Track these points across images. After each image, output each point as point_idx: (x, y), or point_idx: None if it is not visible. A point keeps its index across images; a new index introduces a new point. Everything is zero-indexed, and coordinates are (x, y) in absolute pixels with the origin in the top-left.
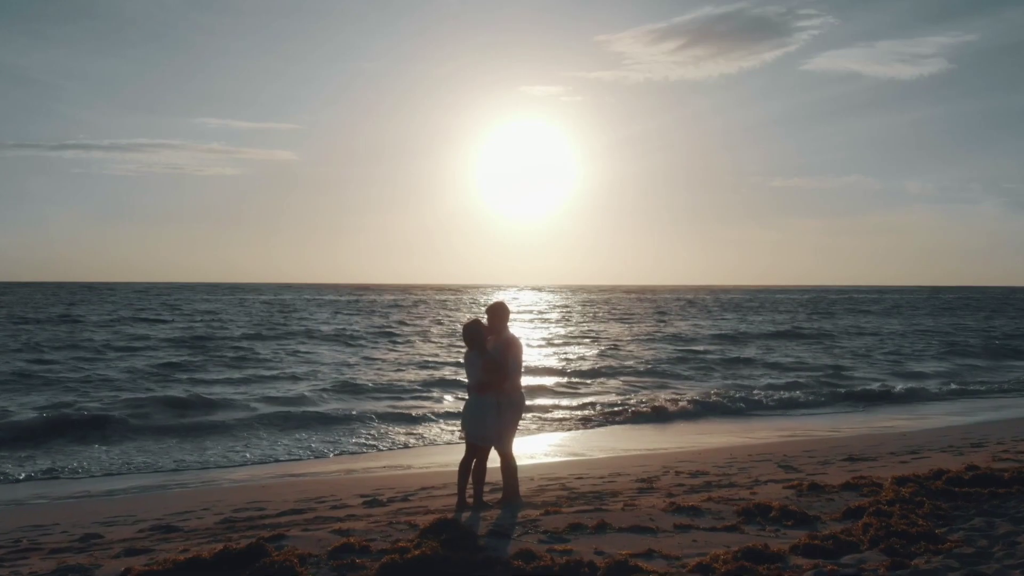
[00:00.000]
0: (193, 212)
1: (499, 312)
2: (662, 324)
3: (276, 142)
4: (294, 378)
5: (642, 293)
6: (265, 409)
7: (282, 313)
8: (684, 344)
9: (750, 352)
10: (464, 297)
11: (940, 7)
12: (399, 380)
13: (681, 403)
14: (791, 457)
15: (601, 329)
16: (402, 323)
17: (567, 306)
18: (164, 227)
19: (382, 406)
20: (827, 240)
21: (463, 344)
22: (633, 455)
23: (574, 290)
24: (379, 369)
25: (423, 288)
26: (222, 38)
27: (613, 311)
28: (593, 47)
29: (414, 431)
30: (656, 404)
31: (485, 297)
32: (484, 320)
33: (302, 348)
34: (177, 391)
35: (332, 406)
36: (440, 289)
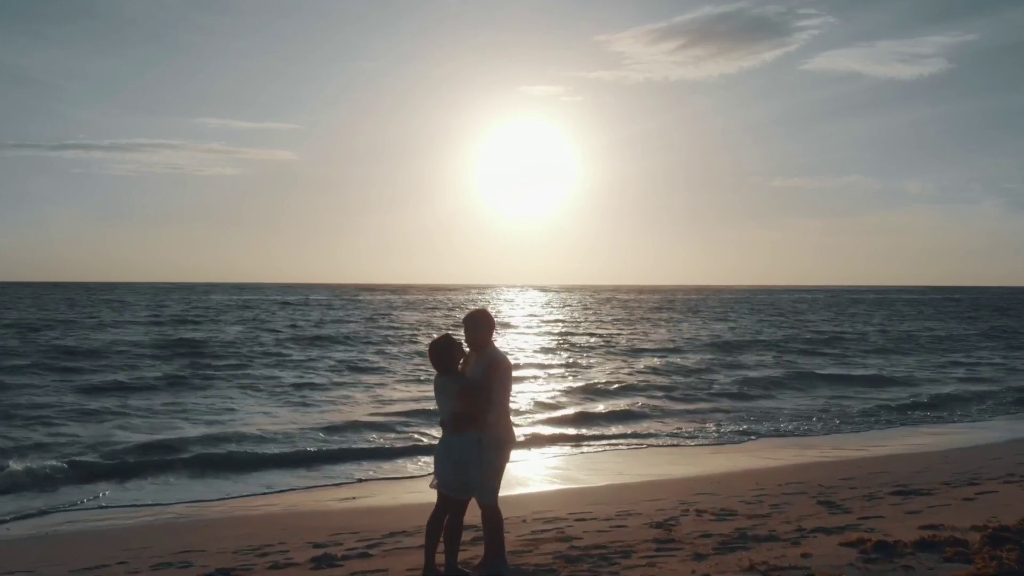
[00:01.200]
0: (193, 212)
1: (480, 323)
2: (692, 325)
3: (276, 142)
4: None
5: (641, 293)
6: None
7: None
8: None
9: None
10: (458, 297)
11: (940, 7)
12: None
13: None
14: (829, 489)
15: (612, 333)
16: (384, 342)
17: (570, 306)
18: (164, 227)
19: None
20: (827, 240)
21: (431, 368)
22: (642, 483)
23: (574, 290)
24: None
25: (422, 289)
26: (222, 38)
27: (629, 313)
28: (593, 47)
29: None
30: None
31: (484, 298)
32: (473, 330)
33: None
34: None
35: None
36: (439, 289)
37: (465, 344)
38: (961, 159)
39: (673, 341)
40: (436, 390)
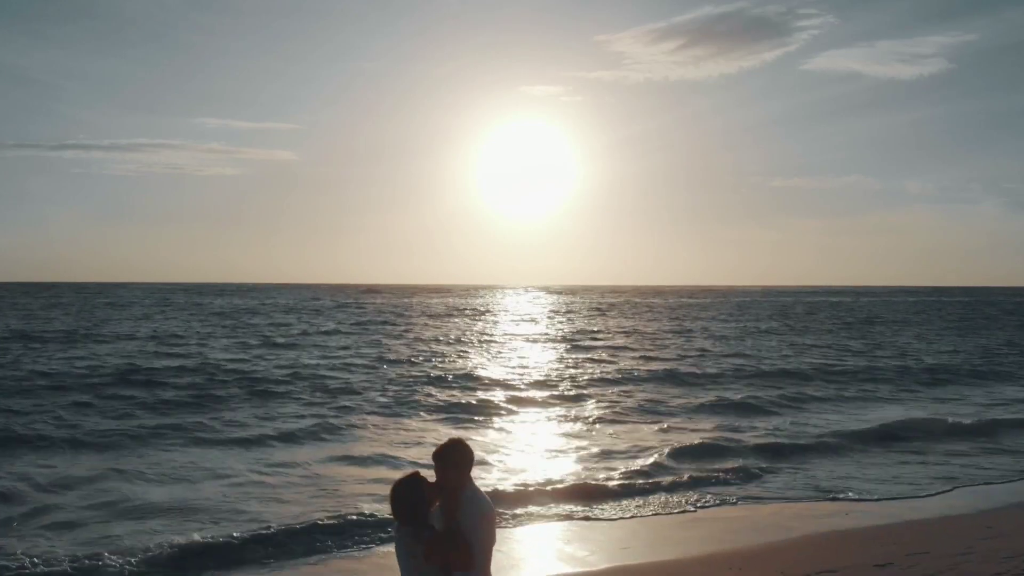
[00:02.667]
0: (193, 212)
1: (456, 458)
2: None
3: (276, 142)
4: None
5: (645, 295)
6: None
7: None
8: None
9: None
10: (453, 300)
11: (940, 7)
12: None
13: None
14: None
15: (633, 355)
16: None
17: (573, 312)
18: (164, 227)
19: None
20: (827, 240)
21: (391, 516)
22: (660, 566)
23: (575, 292)
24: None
25: (421, 289)
26: (222, 38)
27: (644, 324)
28: (593, 47)
29: None
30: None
31: (483, 299)
32: (447, 467)
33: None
34: None
35: None
36: (438, 290)
37: (437, 480)
38: (961, 159)
39: (722, 375)
40: (397, 546)
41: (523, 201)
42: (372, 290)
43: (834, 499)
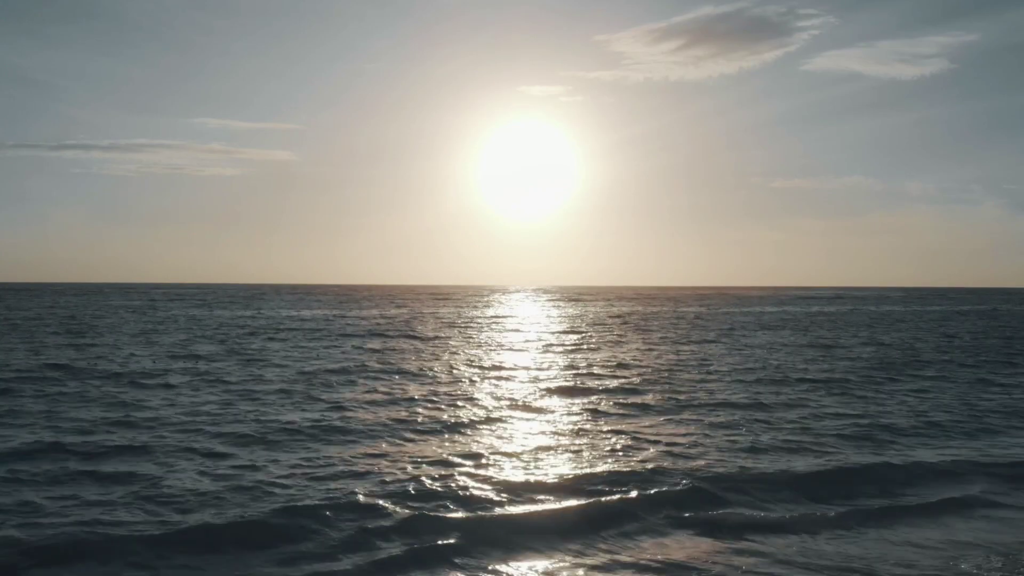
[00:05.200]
0: (192, 212)
1: None
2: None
3: (275, 142)
4: None
5: (647, 295)
6: None
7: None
8: None
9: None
10: (446, 312)
11: (941, 7)
12: None
13: None
14: None
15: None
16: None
17: (580, 327)
18: (163, 227)
19: None
20: (829, 241)
21: None
22: None
23: (575, 292)
24: None
25: (423, 290)
26: (222, 38)
27: (661, 335)
28: (593, 47)
29: None
30: None
31: (481, 309)
32: None
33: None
34: None
35: None
36: (439, 291)
37: None
38: (963, 160)
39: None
40: None
41: (523, 201)
42: (368, 291)
43: None
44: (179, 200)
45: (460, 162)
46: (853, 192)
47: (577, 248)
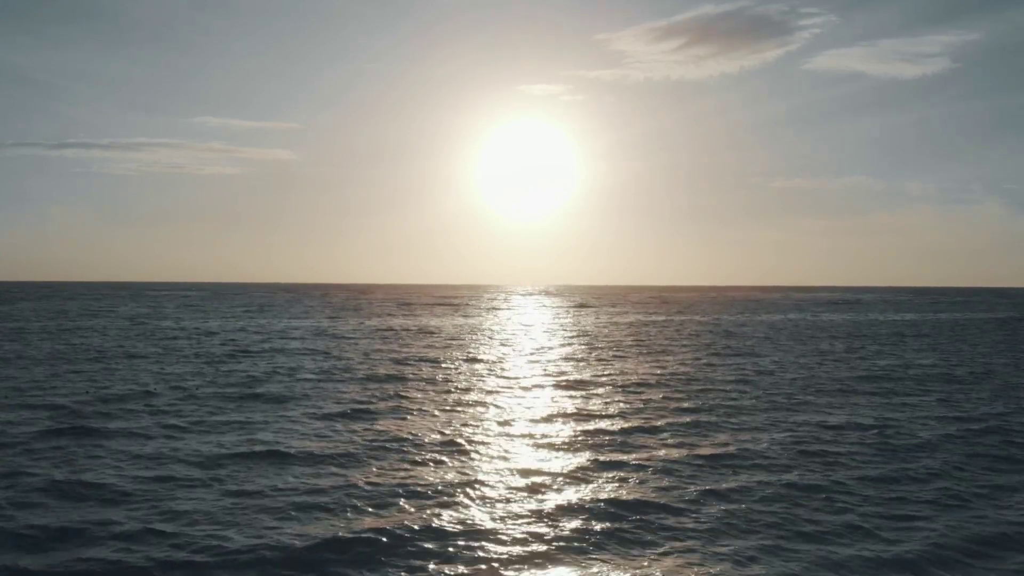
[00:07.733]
0: (192, 211)
1: None
2: None
3: (275, 142)
4: None
5: (648, 295)
6: None
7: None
8: None
9: None
10: (450, 321)
11: (943, 6)
12: None
13: None
14: None
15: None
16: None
17: (584, 333)
18: (163, 226)
19: None
20: (830, 241)
21: None
22: None
23: (576, 292)
24: None
25: (422, 291)
26: (222, 38)
27: (679, 344)
28: (593, 46)
29: None
30: None
31: (481, 318)
32: None
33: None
34: None
35: None
36: (436, 292)
37: None
38: (963, 159)
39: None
40: None
41: (523, 201)
42: (368, 291)
43: None
44: (179, 199)
45: (460, 162)
46: (854, 192)
47: (577, 248)
